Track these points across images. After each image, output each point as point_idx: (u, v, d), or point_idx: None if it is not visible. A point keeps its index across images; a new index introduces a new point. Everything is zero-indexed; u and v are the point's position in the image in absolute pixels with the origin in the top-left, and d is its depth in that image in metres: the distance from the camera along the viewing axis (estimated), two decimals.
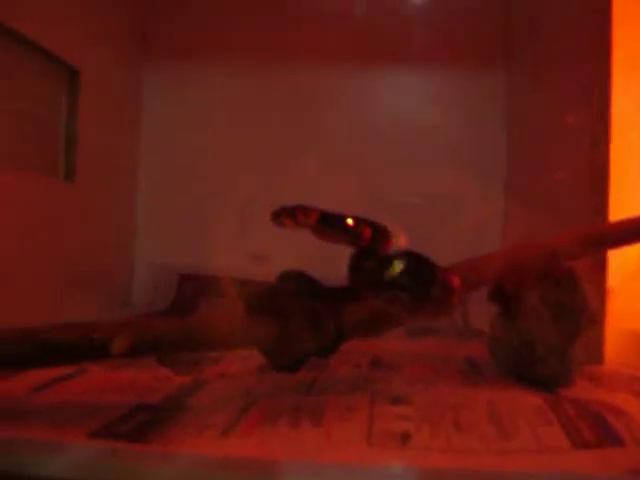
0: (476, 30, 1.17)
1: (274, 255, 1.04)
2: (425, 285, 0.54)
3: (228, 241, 1.08)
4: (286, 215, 0.56)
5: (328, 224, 0.56)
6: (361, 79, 1.21)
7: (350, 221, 0.56)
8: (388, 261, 0.55)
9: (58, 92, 0.97)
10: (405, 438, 0.45)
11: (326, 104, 1.20)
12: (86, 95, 1.00)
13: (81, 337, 0.49)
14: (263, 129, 1.19)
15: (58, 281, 0.92)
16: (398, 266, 0.53)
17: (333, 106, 1.20)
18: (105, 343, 0.49)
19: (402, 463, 0.41)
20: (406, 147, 1.17)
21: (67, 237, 0.95)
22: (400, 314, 0.57)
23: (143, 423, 0.47)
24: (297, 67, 1.20)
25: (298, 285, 0.55)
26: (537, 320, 0.62)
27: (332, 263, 0.61)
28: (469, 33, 1.17)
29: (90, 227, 1.03)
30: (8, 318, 0.60)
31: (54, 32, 0.91)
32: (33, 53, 0.88)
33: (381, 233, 0.56)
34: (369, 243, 0.56)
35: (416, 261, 0.55)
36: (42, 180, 0.91)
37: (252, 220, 1.02)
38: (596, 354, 0.72)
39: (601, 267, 0.72)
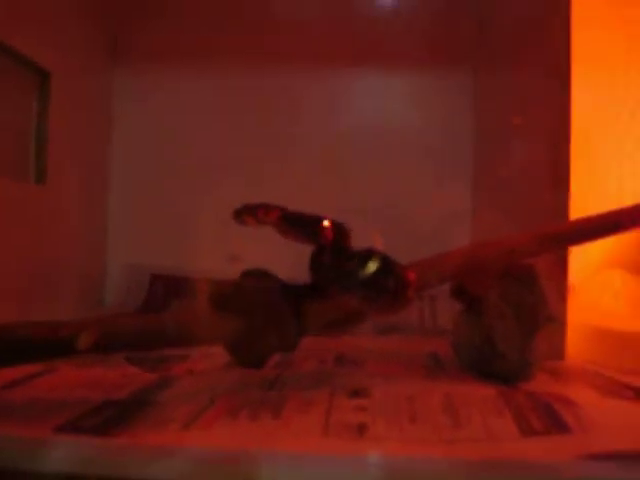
0: (444, 29, 1.19)
1: (248, 256, 1.05)
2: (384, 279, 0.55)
3: (201, 241, 1.09)
4: (247, 213, 0.57)
5: (289, 222, 0.57)
6: (333, 81, 1.22)
7: (310, 219, 0.57)
8: (361, 260, 0.56)
9: (29, 95, 0.98)
10: (361, 429, 0.46)
11: (301, 107, 1.21)
12: (57, 98, 1.00)
13: (47, 333, 0.50)
14: (237, 130, 1.20)
15: (30, 282, 0.92)
16: (373, 265, 0.54)
17: (308, 109, 1.21)
18: (71, 339, 0.50)
19: (356, 452, 0.42)
20: (373, 147, 1.18)
21: (39, 239, 0.95)
22: (365, 310, 0.58)
23: (109, 418, 0.48)
24: (269, 70, 1.21)
25: (260, 282, 0.56)
26: (498, 317, 0.64)
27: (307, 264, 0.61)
28: (437, 33, 1.18)
29: (62, 229, 1.03)
30: None
31: (25, 34, 0.91)
32: (3, 55, 0.89)
33: (341, 230, 0.57)
34: (330, 240, 0.57)
35: (379, 260, 0.56)
36: (12, 184, 0.92)
37: (225, 220, 1.04)
38: (557, 350, 0.73)
39: (562, 264, 0.74)
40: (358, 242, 0.58)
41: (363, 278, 0.54)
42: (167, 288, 1.13)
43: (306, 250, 0.58)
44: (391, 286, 0.54)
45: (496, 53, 1.07)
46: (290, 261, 0.60)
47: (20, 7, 0.89)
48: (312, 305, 0.57)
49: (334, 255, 0.56)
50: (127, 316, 0.86)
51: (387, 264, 0.56)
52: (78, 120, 1.10)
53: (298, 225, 0.58)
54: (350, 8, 1.20)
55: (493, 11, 1.09)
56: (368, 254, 0.56)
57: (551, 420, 0.48)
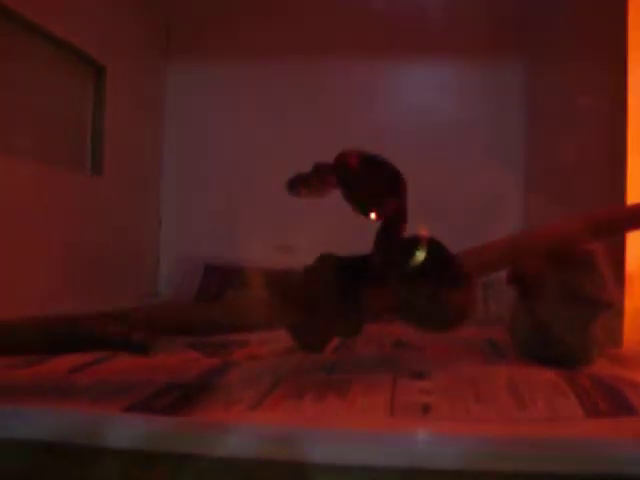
0: (494, 18, 1.18)
1: (299, 245, 1.06)
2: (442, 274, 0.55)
3: (253, 232, 1.10)
4: (301, 183, 0.56)
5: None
6: (381, 73, 1.23)
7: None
8: (409, 248, 0.56)
9: (85, 88, 1.00)
10: (426, 409, 0.46)
11: (349, 99, 1.22)
12: (112, 91, 1.02)
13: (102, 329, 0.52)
14: (286, 123, 1.21)
15: (86, 272, 0.94)
16: (420, 255, 0.55)
17: (357, 102, 1.22)
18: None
19: (422, 430, 0.43)
20: (425, 137, 1.18)
21: (94, 230, 0.98)
22: (420, 303, 0.58)
23: (175, 399, 0.49)
24: (317, 65, 1.22)
25: (325, 271, 0.57)
26: (555, 303, 0.64)
27: (357, 251, 0.62)
28: (488, 22, 1.18)
29: (117, 219, 1.06)
30: (38, 308, 0.63)
31: (81, 30, 0.93)
32: (61, 50, 0.91)
33: (403, 210, 0.57)
34: (392, 218, 0.56)
35: (435, 249, 0.56)
36: (70, 174, 0.94)
37: (277, 211, 1.05)
38: (615, 337, 0.73)
39: (619, 251, 0.73)
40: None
41: (410, 268, 0.54)
42: (221, 278, 1.14)
43: (358, 240, 0.58)
44: (444, 275, 0.54)
45: (550, 43, 1.06)
46: (343, 250, 0.60)
47: (76, 3, 0.91)
48: (375, 292, 0.57)
49: (395, 239, 0.56)
50: (190, 303, 0.87)
51: (436, 252, 0.56)
52: (133, 113, 1.12)
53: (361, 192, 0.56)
54: (396, 1, 1.20)
55: (547, 1, 1.08)
56: (415, 243, 0.56)
57: (616, 401, 0.48)
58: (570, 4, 0.95)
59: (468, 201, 1.12)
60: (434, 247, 0.57)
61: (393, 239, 0.56)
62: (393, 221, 0.56)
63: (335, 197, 0.62)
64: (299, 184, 0.58)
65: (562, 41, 0.99)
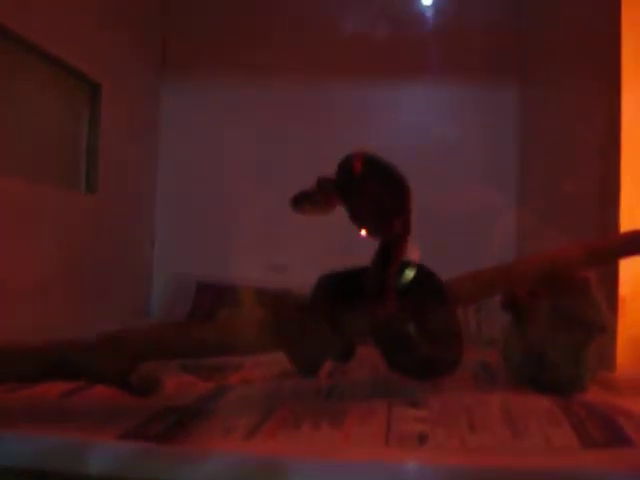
0: (490, 45, 1.19)
1: (292, 264, 1.06)
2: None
3: (246, 251, 1.10)
4: (306, 200, 0.56)
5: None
6: (376, 94, 1.23)
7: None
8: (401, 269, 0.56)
9: (80, 106, 1.00)
10: (422, 438, 0.46)
11: (342, 117, 1.22)
12: (107, 109, 1.02)
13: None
14: (281, 142, 1.21)
15: (78, 291, 0.94)
16: (409, 274, 0.55)
17: (350, 121, 1.22)
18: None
19: (418, 461, 0.43)
20: (418, 160, 1.18)
21: (88, 248, 0.97)
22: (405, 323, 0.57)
23: (171, 425, 0.49)
24: (312, 83, 1.22)
25: (316, 294, 0.57)
26: (548, 328, 0.64)
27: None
28: (483, 48, 1.19)
29: (110, 238, 1.05)
30: (28, 327, 0.63)
31: (77, 48, 0.93)
32: (56, 68, 0.91)
33: (407, 227, 0.57)
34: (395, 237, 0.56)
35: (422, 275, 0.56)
36: (64, 193, 0.94)
37: (270, 230, 1.05)
38: (608, 362, 0.73)
39: (613, 276, 0.74)
40: None
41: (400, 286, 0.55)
42: (214, 297, 1.14)
43: (350, 259, 0.58)
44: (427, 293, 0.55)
45: (543, 67, 1.07)
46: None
47: (71, 21, 0.91)
48: (364, 314, 0.57)
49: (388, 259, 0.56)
50: (175, 325, 0.87)
51: (423, 274, 0.56)
52: (128, 131, 1.12)
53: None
54: (393, 21, 1.21)
55: (541, 24, 1.09)
56: (405, 264, 0.56)
57: (611, 432, 0.48)
58: (565, 26, 0.96)
59: (461, 222, 1.12)
60: (422, 273, 0.57)
61: (394, 257, 0.56)
62: (395, 240, 0.56)
63: (328, 217, 0.62)
64: (303, 201, 0.57)
65: (556, 62, 1.00)
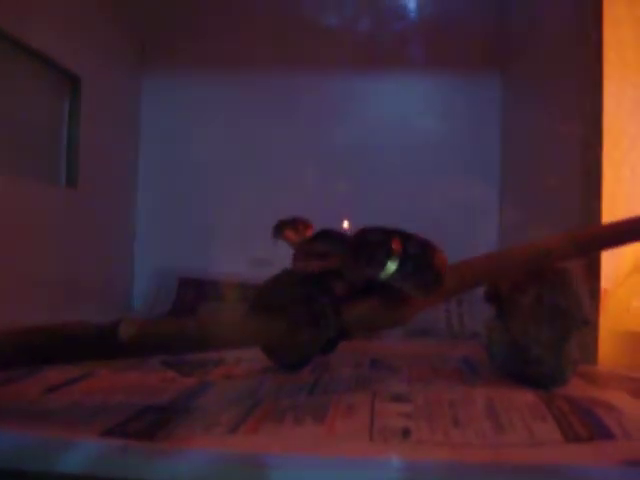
0: (473, 40, 1.19)
1: (274, 258, 1.06)
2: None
3: (228, 245, 1.10)
4: (288, 227, 0.57)
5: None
6: (359, 87, 1.23)
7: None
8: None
9: (60, 99, 0.99)
10: (405, 433, 0.46)
11: (326, 112, 1.22)
12: (87, 102, 1.01)
13: (88, 328, 0.51)
14: (262, 135, 1.21)
15: (59, 286, 0.93)
16: (391, 267, 0.54)
17: (332, 113, 1.22)
18: (113, 330, 0.50)
19: (402, 456, 0.42)
20: (402, 153, 1.19)
21: (68, 243, 0.97)
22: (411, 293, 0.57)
23: (152, 422, 0.49)
24: (297, 75, 1.22)
25: (300, 285, 0.56)
26: (531, 321, 0.64)
27: None
28: (466, 44, 1.19)
29: (91, 233, 1.05)
30: (9, 323, 0.62)
31: (56, 41, 0.92)
32: (36, 61, 0.90)
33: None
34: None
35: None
36: (43, 187, 0.93)
37: (251, 224, 1.04)
38: (590, 354, 0.73)
39: (595, 268, 0.74)
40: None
41: (384, 279, 0.54)
42: (196, 292, 1.14)
43: None
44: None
45: (527, 59, 1.07)
46: None
47: (51, 15, 0.90)
48: (352, 307, 0.56)
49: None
50: (163, 319, 0.86)
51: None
52: (108, 125, 1.11)
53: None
54: (377, 14, 1.21)
55: (525, 17, 1.09)
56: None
57: (594, 426, 0.48)
58: (548, 19, 0.96)
59: (444, 213, 1.12)
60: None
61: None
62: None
63: (308, 210, 0.62)
64: (285, 229, 0.58)
65: (539, 55, 1.00)
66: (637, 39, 0.78)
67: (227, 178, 1.19)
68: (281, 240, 0.59)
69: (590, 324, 0.66)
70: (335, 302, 0.56)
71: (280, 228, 0.58)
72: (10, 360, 0.52)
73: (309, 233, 0.58)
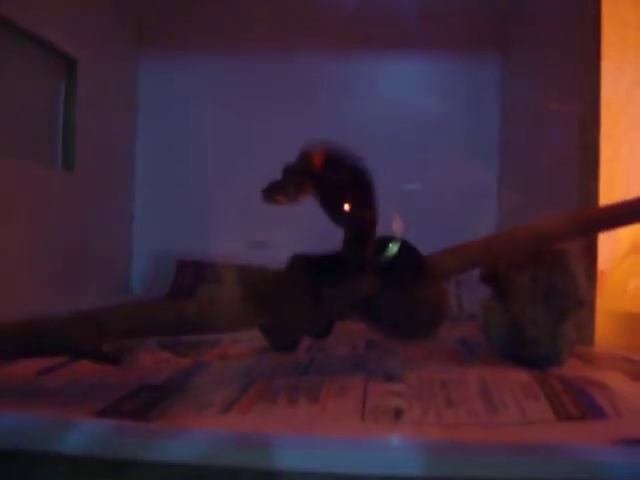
0: (472, 21, 1.18)
1: (273, 240, 1.05)
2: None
3: (226, 227, 1.10)
4: (278, 192, 0.56)
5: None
6: (359, 68, 1.22)
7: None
8: (380, 249, 0.56)
9: (56, 81, 0.98)
10: (398, 413, 0.46)
11: (324, 92, 1.22)
12: (84, 84, 1.01)
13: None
14: (260, 116, 1.20)
15: (57, 269, 0.93)
16: (392, 249, 0.54)
17: (331, 94, 1.21)
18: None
19: (394, 437, 0.43)
20: (400, 134, 1.18)
21: (66, 225, 0.96)
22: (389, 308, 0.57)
23: (146, 402, 0.49)
24: (295, 57, 1.21)
25: (295, 272, 0.56)
26: (528, 301, 0.64)
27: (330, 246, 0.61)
28: (465, 25, 1.18)
29: (89, 215, 1.04)
30: (6, 306, 0.62)
31: (52, 23, 0.92)
32: (31, 43, 0.89)
33: (374, 217, 0.57)
34: (363, 227, 0.56)
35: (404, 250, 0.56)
36: (40, 169, 0.93)
37: (250, 206, 1.04)
38: (586, 335, 0.73)
39: (592, 250, 0.74)
40: (382, 226, 0.58)
41: (383, 262, 0.54)
42: (195, 274, 1.14)
43: (329, 234, 0.58)
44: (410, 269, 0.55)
45: (525, 39, 1.07)
46: (317, 245, 0.60)
47: None
48: (347, 290, 0.56)
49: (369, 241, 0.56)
50: (158, 302, 0.86)
51: (405, 249, 0.56)
52: (105, 107, 1.10)
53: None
54: None
55: (523, 2, 1.08)
56: (387, 240, 0.56)
57: (586, 405, 0.48)
58: (547, 2, 0.95)
59: (443, 195, 1.12)
60: (404, 248, 0.57)
61: (363, 243, 0.56)
62: (363, 230, 0.56)
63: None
64: (275, 192, 0.56)
65: (537, 34, 0.99)
66: (637, 18, 0.78)
67: (226, 160, 1.19)
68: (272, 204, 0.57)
69: (586, 305, 0.66)
70: (336, 284, 0.56)
71: (269, 193, 0.56)
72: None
73: (302, 195, 0.57)
